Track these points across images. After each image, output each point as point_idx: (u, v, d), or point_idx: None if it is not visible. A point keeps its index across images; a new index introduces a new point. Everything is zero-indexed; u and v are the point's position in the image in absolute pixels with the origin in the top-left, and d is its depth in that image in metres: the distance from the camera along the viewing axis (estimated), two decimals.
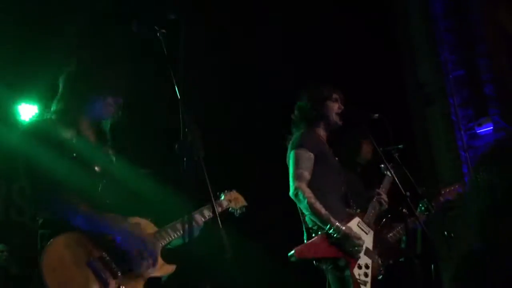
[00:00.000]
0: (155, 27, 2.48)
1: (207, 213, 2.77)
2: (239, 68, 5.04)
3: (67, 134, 2.54)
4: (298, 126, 3.75)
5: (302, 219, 3.58)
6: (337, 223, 3.33)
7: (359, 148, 4.59)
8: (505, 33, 6.27)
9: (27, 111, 6.00)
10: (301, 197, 3.40)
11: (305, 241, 3.51)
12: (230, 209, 3.10)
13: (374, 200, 3.71)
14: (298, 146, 3.55)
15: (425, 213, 4.37)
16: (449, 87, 5.87)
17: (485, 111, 5.71)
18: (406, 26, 5.98)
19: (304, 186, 3.42)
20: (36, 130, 2.56)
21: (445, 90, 5.84)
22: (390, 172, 3.72)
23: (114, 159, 2.74)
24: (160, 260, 2.53)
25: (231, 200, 3.10)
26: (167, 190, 2.78)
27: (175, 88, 2.36)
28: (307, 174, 3.46)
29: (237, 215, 3.15)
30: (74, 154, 2.50)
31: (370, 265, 3.42)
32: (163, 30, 2.48)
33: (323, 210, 3.35)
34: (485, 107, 5.72)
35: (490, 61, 5.79)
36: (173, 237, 2.61)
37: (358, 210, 3.69)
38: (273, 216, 5.37)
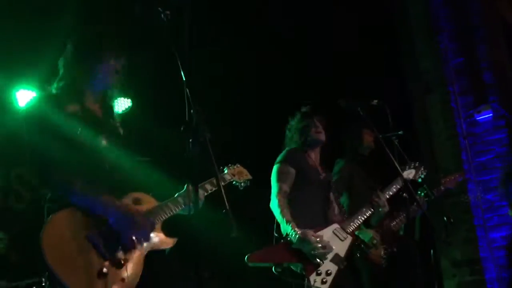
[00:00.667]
0: (159, 9, 2.46)
1: (209, 187, 2.77)
2: (242, 52, 5.02)
3: (72, 109, 2.52)
4: (287, 142, 3.91)
5: (275, 228, 3.63)
6: (295, 228, 3.37)
7: (361, 138, 4.61)
8: (504, 21, 6.27)
9: (25, 97, 5.97)
10: (275, 206, 3.53)
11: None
12: (234, 182, 3.12)
13: (367, 206, 3.70)
14: (280, 161, 3.73)
15: (425, 199, 4.40)
16: (449, 74, 5.87)
17: (485, 99, 5.72)
18: (405, 14, 5.96)
19: (280, 196, 3.56)
20: (40, 106, 2.54)
21: (444, 78, 5.84)
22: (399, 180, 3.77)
23: (121, 131, 2.72)
24: (161, 235, 2.55)
25: (234, 174, 3.12)
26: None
27: (179, 70, 2.34)
28: (285, 187, 3.62)
29: (241, 188, 3.17)
30: (80, 129, 2.48)
31: (333, 272, 3.37)
32: (168, 12, 2.45)
33: (287, 216, 3.44)
34: (485, 94, 5.73)
35: (489, 49, 5.79)
36: (174, 211, 2.61)
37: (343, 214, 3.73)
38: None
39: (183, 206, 2.63)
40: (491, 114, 5.69)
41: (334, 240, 3.49)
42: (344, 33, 5.30)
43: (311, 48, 5.28)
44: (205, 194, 2.76)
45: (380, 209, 3.71)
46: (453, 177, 4.78)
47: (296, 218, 3.45)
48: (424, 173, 4.18)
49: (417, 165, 4.17)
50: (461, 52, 5.90)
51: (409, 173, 4.08)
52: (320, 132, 3.81)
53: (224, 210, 2.07)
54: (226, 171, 3.07)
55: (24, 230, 6.20)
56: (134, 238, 2.39)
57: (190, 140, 2.23)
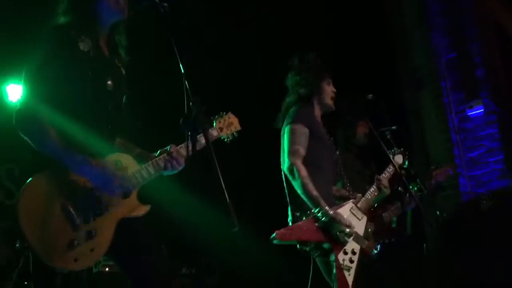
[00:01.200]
0: (156, 0, 2.43)
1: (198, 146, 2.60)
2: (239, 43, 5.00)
3: (85, 46, 2.43)
4: (291, 99, 3.67)
5: (288, 201, 3.53)
6: (326, 207, 3.27)
7: (355, 129, 4.63)
8: (495, 17, 6.32)
9: (15, 92, 5.91)
10: (296, 174, 3.33)
11: (290, 223, 3.47)
12: (221, 137, 2.92)
13: (373, 185, 3.68)
14: (294, 121, 3.47)
15: (418, 193, 4.43)
16: (441, 70, 5.91)
17: (476, 94, 5.76)
18: (398, 10, 5.98)
19: (299, 163, 3.35)
20: (56, 36, 2.40)
21: (437, 73, 5.87)
22: (393, 163, 3.76)
23: (123, 72, 2.65)
24: (134, 202, 2.49)
25: (222, 128, 2.91)
26: None
27: (178, 62, 2.33)
28: (302, 151, 3.39)
29: (227, 141, 2.95)
30: (90, 72, 2.41)
31: (357, 251, 3.35)
32: (165, 4, 2.43)
33: (314, 192, 3.29)
34: (476, 90, 5.77)
35: (481, 45, 5.83)
36: (152, 173, 2.53)
37: (360, 195, 3.67)
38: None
39: (168, 169, 2.57)
40: (482, 110, 5.73)
41: (352, 219, 3.43)
42: (337, 29, 5.30)
43: (303, 45, 5.27)
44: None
45: (384, 190, 3.65)
46: (443, 170, 4.82)
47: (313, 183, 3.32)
48: (408, 158, 4.18)
49: (401, 150, 4.17)
50: (453, 47, 5.94)
51: (398, 158, 4.09)
52: (333, 99, 3.64)
53: (226, 203, 2.04)
54: (214, 125, 2.89)
55: (14, 225, 6.15)
56: (111, 194, 2.35)
57: (189, 133, 2.21)
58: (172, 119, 2.44)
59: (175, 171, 2.60)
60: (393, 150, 4.06)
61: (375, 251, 4.20)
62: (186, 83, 2.26)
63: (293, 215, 3.46)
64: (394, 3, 5.96)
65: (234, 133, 2.95)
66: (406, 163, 4.09)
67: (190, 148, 2.26)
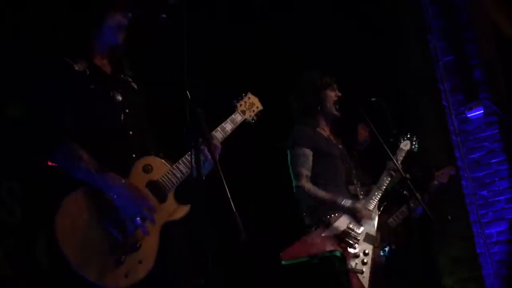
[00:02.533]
0: (155, 12, 2.42)
1: (221, 136, 2.63)
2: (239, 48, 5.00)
3: (80, 67, 2.39)
4: (297, 117, 3.72)
5: (305, 215, 3.54)
6: (343, 202, 3.37)
7: (355, 133, 4.62)
8: (492, 19, 6.34)
9: None
10: (302, 193, 3.43)
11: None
12: (246, 120, 2.82)
13: (382, 175, 3.71)
14: (292, 145, 3.57)
15: (421, 197, 4.41)
16: (439, 73, 5.91)
17: (475, 96, 5.76)
18: (395, 13, 6.00)
19: (303, 182, 3.44)
20: (47, 63, 2.39)
21: (435, 76, 5.87)
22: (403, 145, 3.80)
23: (135, 86, 2.59)
24: (173, 204, 2.40)
25: (245, 111, 2.82)
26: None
27: (180, 71, 2.31)
28: (305, 171, 3.48)
29: (253, 122, 2.85)
30: (92, 86, 2.37)
31: (369, 251, 3.38)
32: (163, 15, 2.42)
33: (326, 195, 3.38)
34: (475, 91, 5.77)
35: (479, 46, 5.84)
36: (185, 174, 2.43)
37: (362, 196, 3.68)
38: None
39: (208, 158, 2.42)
40: (482, 111, 5.73)
41: (365, 220, 3.46)
42: (334, 33, 5.31)
43: (302, 49, 5.27)
44: (224, 137, 2.64)
45: (394, 175, 3.70)
46: (445, 171, 4.82)
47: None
48: (417, 141, 4.19)
49: (408, 136, 4.18)
50: (451, 50, 5.95)
51: (405, 145, 4.09)
52: (337, 105, 3.68)
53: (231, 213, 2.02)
54: (237, 108, 2.79)
55: (16, 244, 6.11)
56: (140, 222, 2.25)
57: (192, 143, 2.20)
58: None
59: (212, 162, 2.39)
60: (401, 139, 4.07)
61: (383, 253, 4.19)
62: (188, 93, 2.25)
63: (305, 224, 3.47)
64: (390, 6, 5.97)
65: (258, 114, 2.88)
66: (415, 149, 4.08)
67: (193, 158, 2.23)
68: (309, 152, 3.52)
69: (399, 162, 3.80)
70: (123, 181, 2.26)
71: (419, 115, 5.84)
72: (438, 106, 5.82)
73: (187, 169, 2.44)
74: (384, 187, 3.67)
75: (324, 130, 3.71)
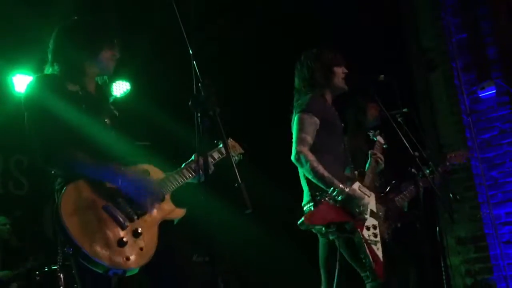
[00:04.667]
0: None
1: (217, 155, 2.87)
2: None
3: (73, 88, 2.55)
4: (302, 92, 3.68)
5: (305, 182, 3.52)
6: (340, 185, 3.32)
7: (365, 112, 4.56)
8: None
9: (22, 82, 5.89)
10: (303, 160, 3.38)
11: (306, 209, 3.47)
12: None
13: (371, 160, 3.69)
14: (303, 110, 3.51)
15: (430, 176, 4.37)
16: (451, 51, 5.80)
17: (488, 75, 5.66)
18: None
19: (306, 150, 3.40)
20: (44, 82, 2.54)
21: (447, 54, 5.77)
22: (379, 138, 3.81)
23: (117, 113, 2.76)
24: (171, 205, 2.57)
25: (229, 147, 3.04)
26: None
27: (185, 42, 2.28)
28: (309, 139, 3.44)
29: (235, 162, 3.03)
30: (84, 106, 2.51)
31: (377, 226, 3.41)
32: None
33: (325, 173, 3.33)
34: (488, 70, 5.67)
35: (493, 24, 5.71)
36: (180, 182, 2.63)
37: (356, 173, 3.67)
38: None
39: (193, 175, 2.68)
40: (494, 91, 5.62)
41: (363, 196, 3.45)
42: (345, 9, 5.22)
43: (311, 27, 5.20)
44: (213, 162, 2.83)
45: (380, 163, 3.70)
46: (458, 153, 4.76)
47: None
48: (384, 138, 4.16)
49: (377, 131, 4.14)
50: (464, 27, 5.82)
51: (380, 139, 4.06)
52: (344, 80, 3.66)
53: (236, 185, 2.02)
54: (221, 145, 2.99)
55: (23, 215, 6.19)
56: (147, 204, 2.41)
57: (199, 114, 2.18)
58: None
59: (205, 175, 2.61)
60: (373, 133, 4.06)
61: (387, 235, 4.18)
62: (195, 63, 2.22)
63: (313, 199, 3.43)
64: None
65: (239, 155, 3.14)
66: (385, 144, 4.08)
67: (200, 131, 2.23)
68: (317, 122, 3.49)
69: (378, 148, 3.79)
70: (125, 169, 2.44)
71: (430, 94, 5.76)
72: (449, 84, 5.72)
73: (183, 178, 2.65)
74: (372, 174, 3.64)
75: (329, 103, 3.69)
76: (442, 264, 4.15)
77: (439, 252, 4.26)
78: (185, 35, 2.29)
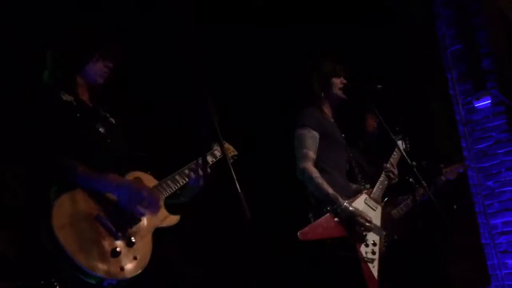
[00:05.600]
0: None
1: (211, 159, 2.87)
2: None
3: (67, 98, 2.57)
4: (302, 103, 3.70)
5: (310, 196, 3.52)
6: (345, 204, 3.30)
7: (363, 122, 4.57)
8: (501, 6, 6.25)
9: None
10: (307, 176, 3.38)
11: (311, 220, 3.45)
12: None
13: (382, 174, 3.67)
14: (301, 125, 3.51)
15: (428, 186, 4.37)
16: (447, 61, 5.85)
17: (483, 85, 5.70)
18: (403, 0, 5.93)
19: (309, 165, 3.39)
20: (39, 93, 2.58)
21: (443, 65, 5.81)
22: (398, 148, 3.71)
23: (113, 121, 2.78)
24: (164, 212, 2.58)
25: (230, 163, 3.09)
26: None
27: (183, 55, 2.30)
28: (312, 154, 3.43)
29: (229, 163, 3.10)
30: (78, 115, 2.54)
31: (377, 242, 3.39)
32: None
33: (330, 190, 3.33)
34: (483, 81, 5.71)
35: (488, 35, 5.77)
36: (173, 189, 2.64)
37: (368, 186, 3.67)
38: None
39: (192, 177, 2.68)
40: (489, 101, 5.67)
41: (368, 211, 3.46)
42: (341, 20, 5.25)
43: (309, 35, 5.22)
44: (208, 165, 2.80)
45: (393, 177, 3.67)
46: (454, 168, 4.77)
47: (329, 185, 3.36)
48: (408, 141, 4.14)
49: (400, 135, 4.12)
50: (459, 38, 5.88)
51: (400, 144, 4.05)
52: (343, 91, 3.66)
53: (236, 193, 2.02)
54: (215, 148, 3.00)
55: (21, 228, 6.14)
56: (142, 212, 2.41)
57: (197, 121, 2.20)
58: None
59: (201, 182, 2.67)
60: (395, 136, 4.03)
61: (384, 247, 4.17)
62: (193, 71, 2.23)
63: (315, 212, 3.44)
64: None
65: (235, 157, 3.15)
66: (408, 147, 4.05)
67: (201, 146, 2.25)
68: (317, 135, 3.49)
69: (393, 161, 3.76)
70: (123, 179, 2.44)
71: (426, 104, 5.79)
72: (445, 95, 5.76)
73: (175, 185, 2.65)
74: (382, 186, 3.63)
75: (328, 115, 3.70)
76: (441, 274, 4.15)
77: (437, 262, 4.26)
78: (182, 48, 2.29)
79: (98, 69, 2.68)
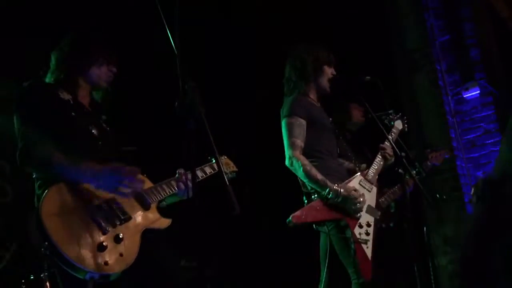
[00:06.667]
0: None
1: (209, 170, 2.87)
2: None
3: (65, 96, 2.57)
4: (289, 90, 3.70)
5: (300, 184, 3.58)
6: (334, 186, 3.33)
7: (350, 113, 4.58)
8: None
9: None
10: (296, 165, 3.41)
11: (305, 205, 3.50)
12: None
13: (378, 154, 3.70)
14: (288, 114, 3.54)
15: (416, 176, 4.39)
16: (435, 52, 5.85)
17: (472, 76, 5.71)
18: None
19: (297, 154, 3.42)
20: (36, 87, 2.57)
21: (431, 56, 5.82)
22: (393, 131, 3.82)
23: (108, 128, 2.77)
24: (156, 214, 2.57)
25: (222, 164, 3.03)
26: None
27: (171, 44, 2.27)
28: (299, 142, 3.46)
29: (228, 179, 3.08)
30: (73, 113, 2.53)
31: (372, 223, 3.44)
32: None
33: (319, 175, 3.36)
34: (471, 71, 5.72)
35: (475, 26, 5.78)
36: (168, 193, 2.64)
37: (364, 166, 3.69)
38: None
39: (181, 188, 2.68)
40: (478, 91, 5.69)
41: (363, 191, 3.48)
42: (330, 10, 5.24)
43: (297, 27, 5.21)
44: (204, 176, 2.85)
45: (389, 158, 3.70)
46: (439, 154, 4.79)
47: (319, 171, 3.38)
48: (406, 120, 4.15)
49: (400, 114, 4.13)
50: (447, 29, 5.88)
51: (398, 124, 4.05)
52: (329, 82, 3.67)
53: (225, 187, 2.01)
54: (213, 161, 3.00)
55: (8, 224, 6.08)
56: (126, 192, 2.38)
57: (185, 117, 2.16)
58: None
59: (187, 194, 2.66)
60: (391, 115, 4.03)
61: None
62: (179, 64, 2.20)
63: (307, 197, 3.50)
64: None
65: (233, 173, 3.16)
66: (406, 127, 4.07)
67: (188, 138, 2.22)
68: (304, 123, 3.51)
69: (393, 142, 3.77)
70: (99, 166, 2.40)
71: (415, 95, 5.80)
72: (434, 86, 5.76)
73: (168, 191, 2.65)
74: (379, 166, 3.66)
75: (315, 101, 3.72)
76: (430, 265, 4.17)
77: (427, 252, 4.28)
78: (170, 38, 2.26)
79: (102, 73, 2.70)
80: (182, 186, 2.69)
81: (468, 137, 5.77)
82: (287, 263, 5.72)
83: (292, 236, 4.08)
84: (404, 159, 3.43)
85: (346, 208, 3.34)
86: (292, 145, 3.44)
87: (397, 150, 3.49)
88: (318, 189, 3.38)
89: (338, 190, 3.33)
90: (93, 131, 2.60)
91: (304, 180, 3.43)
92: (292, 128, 3.48)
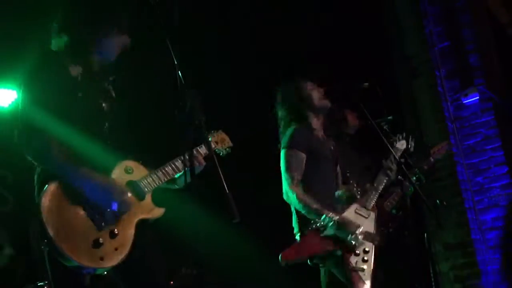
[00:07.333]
0: None
1: (203, 151, 2.78)
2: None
3: (75, 71, 2.52)
4: (287, 124, 3.74)
5: (294, 215, 3.57)
6: (330, 213, 3.33)
7: (344, 119, 4.59)
8: (487, 5, 6.29)
9: (5, 97, 5.82)
10: (292, 198, 3.44)
11: (296, 236, 3.51)
12: (216, 150, 3.06)
13: (380, 174, 3.69)
14: (288, 146, 3.57)
15: (417, 183, 4.39)
16: (434, 59, 5.87)
17: (471, 82, 5.72)
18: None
19: (293, 187, 3.46)
20: (47, 65, 2.49)
21: (431, 62, 5.83)
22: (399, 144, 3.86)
23: (113, 94, 2.73)
24: (150, 204, 2.57)
25: (217, 142, 3.07)
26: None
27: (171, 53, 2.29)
28: (297, 175, 3.50)
29: (223, 156, 3.08)
30: (80, 94, 2.49)
31: (370, 249, 3.39)
32: None
33: (314, 205, 3.38)
34: (471, 77, 5.74)
35: (474, 32, 5.80)
36: (163, 180, 2.62)
37: (368, 185, 3.67)
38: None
39: (176, 171, 2.65)
40: (477, 97, 5.70)
41: (359, 219, 3.46)
42: (329, 17, 5.26)
43: (296, 35, 5.22)
44: (203, 156, 2.77)
45: (391, 175, 3.69)
46: (441, 146, 4.79)
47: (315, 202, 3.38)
48: (413, 142, 4.16)
49: (404, 136, 4.14)
50: (446, 35, 5.90)
51: (402, 144, 4.06)
52: (324, 98, 3.69)
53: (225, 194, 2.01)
54: (210, 139, 2.96)
55: (8, 233, 6.09)
56: (114, 209, 2.39)
57: (185, 124, 2.18)
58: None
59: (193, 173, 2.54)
60: (396, 137, 4.03)
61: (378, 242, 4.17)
62: (180, 73, 2.22)
63: (300, 230, 3.49)
64: None
65: (227, 149, 3.10)
66: (411, 146, 4.07)
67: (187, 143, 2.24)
68: (303, 156, 3.54)
69: (395, 161, 3.76)
70: (95, 175, 2.39)
71: (414, 101, 5.81)
72: (433, 92, 5.78)
73: (167, 175, 2.63)
74: (381, 187, 3.66)
75: (318, 130, 3.74)
76: (431, 271, 4.16)
77: (428, 259, 4.27)
78: (169, 46, 2.28)
79: (111, 45, 2.62)
80: (202, 161, 2.67)
81: (468, 142, 5.77)
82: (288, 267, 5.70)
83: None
84: (403, 166, 3.42)
85: (340, 237, 3.32)
86: (290, 178, 3.48)
87: (396, 156, 3.49)
88: (315, 218, 3.37)
89: (333, 217, 3.33)
90: (102, 104, 2.59)
91: (302, 211, 3.43)
92: (290, 161, 3.52)
